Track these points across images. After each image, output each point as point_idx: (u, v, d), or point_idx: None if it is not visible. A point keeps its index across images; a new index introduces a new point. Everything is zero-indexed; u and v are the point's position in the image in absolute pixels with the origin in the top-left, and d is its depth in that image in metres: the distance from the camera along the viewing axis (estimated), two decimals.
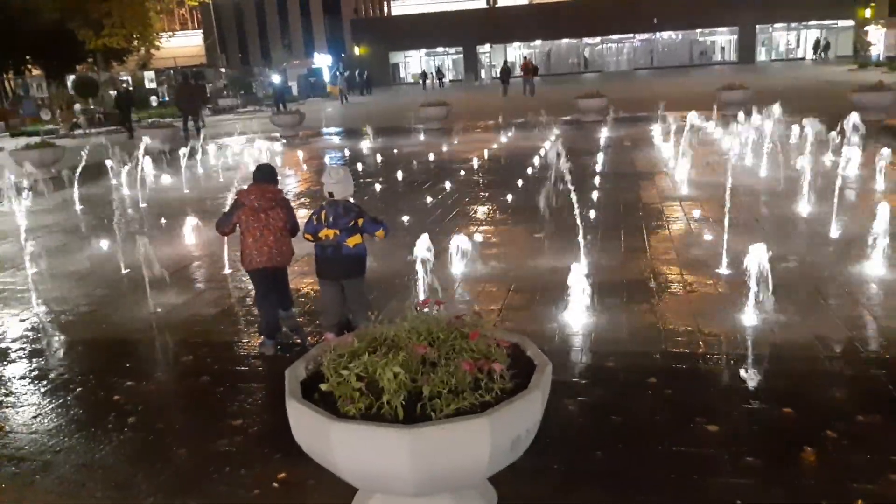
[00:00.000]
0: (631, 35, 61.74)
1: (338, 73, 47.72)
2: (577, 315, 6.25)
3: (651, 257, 7.99)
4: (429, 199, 11.76)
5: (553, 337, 5.94)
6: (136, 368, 5.94)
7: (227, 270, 8.35)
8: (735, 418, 4.56)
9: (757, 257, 5.87)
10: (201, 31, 69.17)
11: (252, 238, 5.74)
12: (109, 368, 5.90)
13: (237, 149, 18.28)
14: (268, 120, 26.84)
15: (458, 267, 7.85)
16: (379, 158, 16.18)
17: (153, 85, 44.04)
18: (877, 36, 50.24)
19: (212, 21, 61.96)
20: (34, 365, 6.10)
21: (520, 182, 12.69)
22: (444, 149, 17.38)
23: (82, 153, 13.64)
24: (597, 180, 12.30)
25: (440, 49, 64.55)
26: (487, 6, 66.34)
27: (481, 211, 10.93)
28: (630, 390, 4.99)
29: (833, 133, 12.56)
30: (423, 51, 65.27)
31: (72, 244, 10.37)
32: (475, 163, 15.25)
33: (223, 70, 51.47)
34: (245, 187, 5.94)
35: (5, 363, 6.16)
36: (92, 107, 33.99)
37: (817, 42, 56.19)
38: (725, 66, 56.18)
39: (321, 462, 3.15)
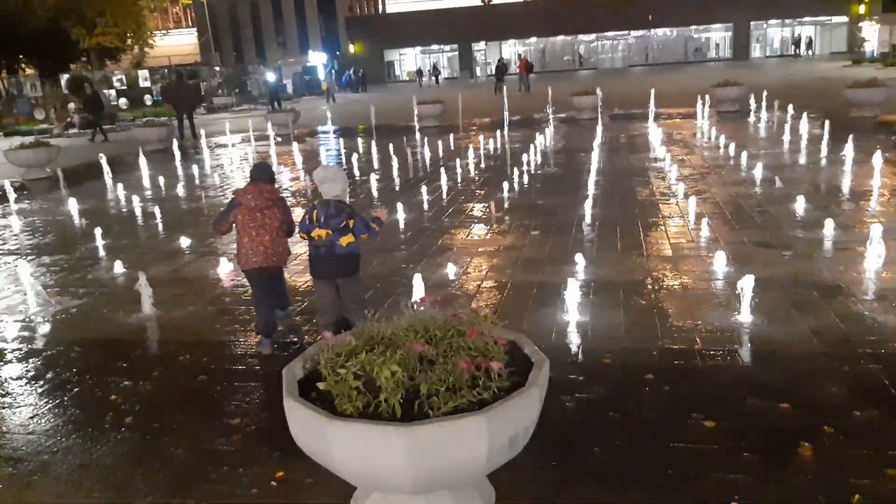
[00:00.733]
0: (626, 32, 61.80)
1: (332, 71, 47.65)
2: (574, 311, 6.27)
3: (647, 253, 8.00)
4: (425, 198, 11.75)
5: (550, 334, 5.95)
6: (132, 368, 5.92)
7: (224, 269, 8.33)
8: (732, 414, 4.57)
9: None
10: (195, 29, 68.95)
11: (248, 238, 5.72)
12: (106, 368, 5.89)
13: (231, 148, 18.24)
14: (262, 118, 26.80)
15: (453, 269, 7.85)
16: (375, 156, 16.15)
17: (147, 83, 43.89)
18: (870, 32, 50.37)
19: (206, 19, 61.68)
20: (30, 365, 6.08)
21: (515, 178, 12.70)
22: (440, 146, 17.36)
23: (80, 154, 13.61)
24: (591, 177, 12.30)
25: (435, 46, 64.52)
26: (482, 3, 66.26)
27: (478, 208, 10.93)
28: (627, 386, 5.00)
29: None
30: (419, 48, 65.24)
31: (66, 243, 10.34)
32: (471, 160, 15.25)
33: (217, 68, 51.33)
34: (242, 186, 5.93)
35: (1, 364, 6.14)
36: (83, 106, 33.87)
37: (798, 39, 56.34)
38: (720, 62, 56.26)
39: (319, 461, 3.14)
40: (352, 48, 61.21)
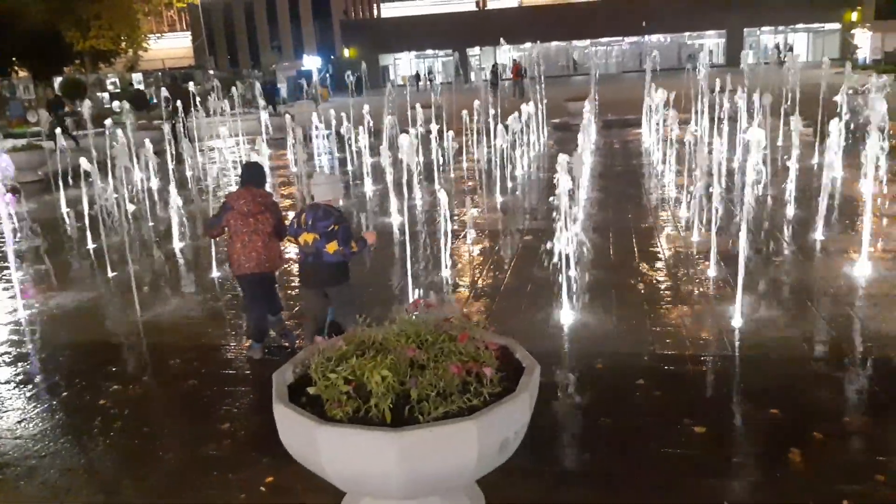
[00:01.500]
0: (620, 38, 61.98)
1: (327, 75, 47.59)
2: (566, 316, 6.27)
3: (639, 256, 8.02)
4: (417, 202, 11.76)
5: (542, 338, 5.95)
6: (122, 372, 5.89)
7: (215, 273, 8.31)
8: (722, 419, 4.58)
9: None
10: (190, 32, 68.90)
11: (240, 243, 5.67)
12: (96, 372, 5.85)
13: (225, 153, 18.17)
14: (256, 122, 26.70)
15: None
16: (369, 160, 16.13)
17: (141, 86, 43.77)
18: (863, 39, 50.68)
19: (200, 23, 61.68)
20: (19, 369, 6.04)
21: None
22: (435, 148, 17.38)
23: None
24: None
25: (430, 51, 64.58)
26: (477, 8, 66.41)
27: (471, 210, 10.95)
28: (618, 392, 5.00)
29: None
30: (413, 53, 65.27)
31: (55, 246, 10.29)
32: (464, 163, 15.26)
33: (211, 72, 51.26)
34: (233, 190, 5.88)
35: None
36: (78, 108, 33.68)
37: (777, 46, 56.49)
38: (714, 69, 56.35)
39: (309, 466, 3.13)
40: (346, 52, 61.21)
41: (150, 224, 11.28)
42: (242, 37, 69.18)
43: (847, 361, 5.29)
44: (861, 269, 7.10)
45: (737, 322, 5.98)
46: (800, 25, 58.11)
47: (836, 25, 54.62)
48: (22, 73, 46.58)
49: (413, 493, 3.08)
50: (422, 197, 11.87)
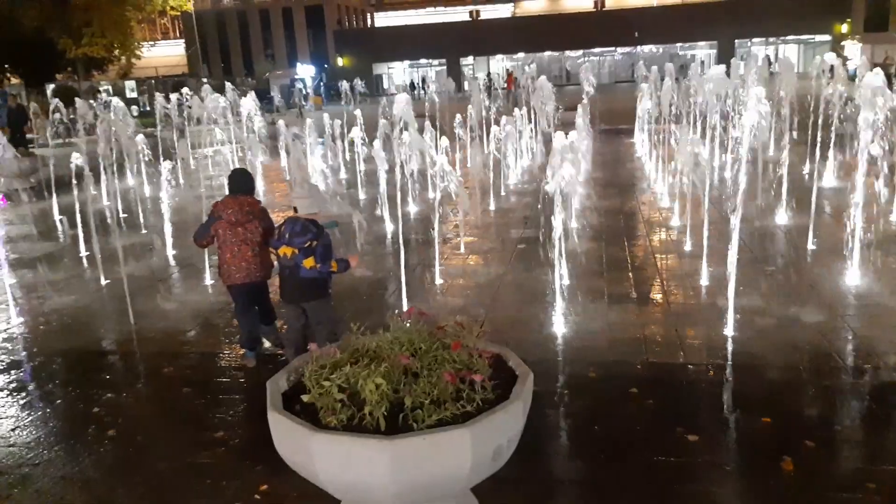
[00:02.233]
0: (612, 49, 62.37)
1: (321, 84, 47.65)
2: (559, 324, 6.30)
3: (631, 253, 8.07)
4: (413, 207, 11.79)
5: (535, 346, 5.97)
6: (115, 380, 5.88)
7: (207, 280, 8.30)
8: (715, 428, 4.61)
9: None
10: (183, 40, 68.88)
11: (230, 253, 5.63)
12: (89, 380, 5.84)
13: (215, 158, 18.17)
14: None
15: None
16: (363, 168, 16.18)
17: (134, 94, 43.74)
18: (853, 51, 51.18)
19: (194, 31, 61.64)
20: (12, 377, 6.02)
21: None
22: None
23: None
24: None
25: (423, 61, 64.79)
26: (470, 19, 66.68)
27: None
28: (611, 400, 5.03)
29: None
30: (407, 62, 65.47)
31: (51, 254, 10.27)
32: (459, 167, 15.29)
33: (204, 80, 51.27)
34: (222, 199, 5.79)
35: None
36: (73, 116, 33.58)
37: (767, 57, 56.92)
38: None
39: (303, 474, 3.14)
40: (340, 61, 61.34)
41: None
42: (236, 45, 69.20)
43: (839, 370, 5.34)
44: (854, 277, 7.16)
45: (729, 330, 6.02)
46: (790, 37, 58.65)
47: (827, 37, 55.14)
48: (14, 80, 46.48)
49: (407, 501, 3.09)
50: (417, 199, 11.89)
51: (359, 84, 29.58)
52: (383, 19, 76.06)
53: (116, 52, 44.54)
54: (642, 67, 19.77)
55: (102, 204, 13.30)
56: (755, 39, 59.79)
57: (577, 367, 5.60)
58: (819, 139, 10.33)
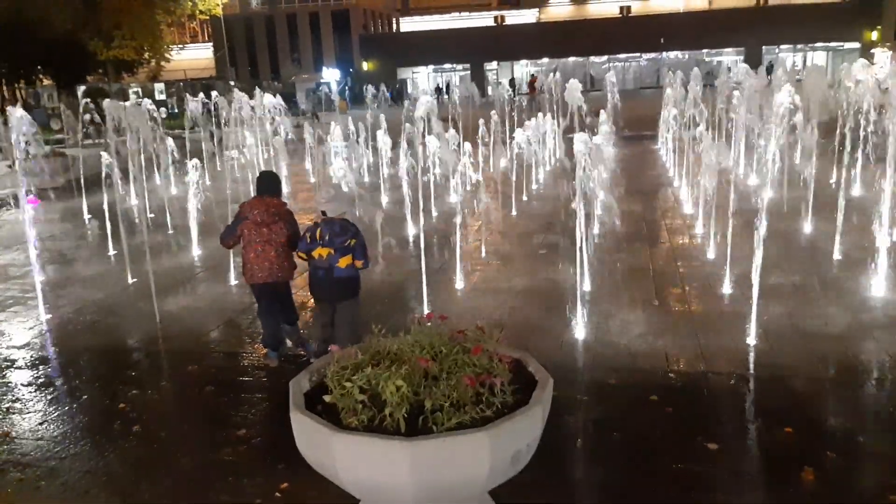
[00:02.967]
0: (637, 54, 62.02)
1: (346, 88, 47.90)
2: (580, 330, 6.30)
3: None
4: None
5: (555, 352, 5.97)
6: (141, 377, 5.99)
7: (232, 280, 8.40)
8: (735, 437, 4.58)
9: None
10: (211, 44, 69.68)
11: (254, 253, 5.73)
12: (115, 377, 5.95)
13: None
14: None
15: None
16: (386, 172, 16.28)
17: (163, 97, 44.33)
18: (883, 58, 50.39)
19: (222, 34, 62.33)
20: (40, 372, 6.15)
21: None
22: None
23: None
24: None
25: (448, 65, 64.91)
26: (495, 24, 66.68)
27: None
28: (632, 407, 5.01)
29: None
30: (431, 67, 65.63)
31: (79, 252, 10.46)
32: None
33: (232, 83, 51.83)
34: (248, 199, 5.94)
35: (12, 370, 6.21)
36: (102, 116, 33.99)
37: (770, 65, 56.24)
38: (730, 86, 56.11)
39: (323, 473, 3.18)
40: (365, 65, 61.68)
41: None
42: (263, 49, 69.85)
43: (863, 381, 5.28)
44: (879, 286, 7.07)
45: (752, 339, 5.97)
46: (819, 44, 57.89)
47: (856, 44, 54.37)
48: (46, 82, 47.37)
49: (426, 502, 3.12)
50: (439, 203, 11.93)
51: (384, 90, 29.64)
52: (409, 24, 76.30)
53: (146, 54, 45.22)
54: (668, 73, 19.64)
55: (130, 203, 13.51)
56: (783, 46, 59.10)
57: (598, 373, 5.59)
58: (847, 147, 10.18)
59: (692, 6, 64.74)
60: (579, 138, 6.09)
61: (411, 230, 10.53)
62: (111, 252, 10.10)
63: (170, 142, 13.53)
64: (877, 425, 4.69)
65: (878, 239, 7.26)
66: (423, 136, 7.22)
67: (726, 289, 7.32)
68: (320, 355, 5.20)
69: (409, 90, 65.80)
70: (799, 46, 59.06)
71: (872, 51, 51.53)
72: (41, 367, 6.26)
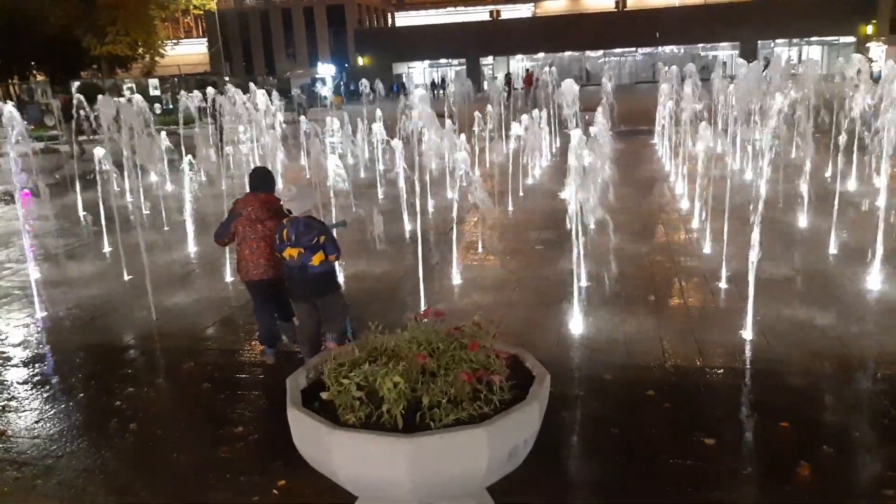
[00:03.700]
0: (633, 49, 62.01)
1: (341, 83, 47.82)
2: (576, 325, 6.30)
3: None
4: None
5: (551, 348, 5.97)
6: (137, 375, 5.97)
7: (228, 277, 8.39)
8: (732, 432, 4.59)
9: None
10: (206, 39, 69.44)
11: (248, 250, 5.71)
12: (111, 374, 5.93)
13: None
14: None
15: None
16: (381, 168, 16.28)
17: (157, 92, 44.18)
18: (878, 53, 50.46)
19: (216, 30, 62.08)
20: (36, 370, 6.13)
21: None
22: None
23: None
24: None
25: (443, 60, 64.81)
26: (491, 19, 66.59)
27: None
28: (628, 403, 5.02)
29: None
30: (427, 62, 65.53)
31: (74, 249, 10.42)
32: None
33: (227, 78, 51.68)
34: (242, 196, 5.90)
35: (7, 368, 6.19)
36: (96, 114, 33.83)
37: (767, 60, 56.26)
38: (727, 80, 56.17)
39: (321, 470, 3.18)
40: (360, 60, 61.54)
41: None
42: (258, 44, 69.62)
43: (858, 376, 5.29)
44: (875, 280, 7.09)
45: (748, 334, 5.98)
46: (814, 38, 57.95)
47: (851, 39, 54.44)
48: (39, 77, 47.18)
49: (423, 499, 3.11)
50: (435, 198, 11.92)
51: (377, 83, 29.42)
52: (404, 19, 76.17)
53: (140, 50, 45.07)
54: (663, 68, 19.64)
55: (125, 200, 13.47)
56: (778, 40, 59.14)
57: (595, 369, 5.59)
58: (842, 141, 10.19)
59: (688, 0, 64.76)
60: (575, 134, 6.09)
61: (407, 226, 10.51)
62: (106, 248, 10.06)
63: (163, 135, 13.49)
64: (872, 420, 4.70)
65: (873, 232, 7.26)
66: (419, 132, 7.18)
67: (723, 283, 7.33)
68: (311, 352, 5.21)
69: (406, 84, 65.77)
70: (794, 41, 59.10)
71: (868, 45, 51.66)
72: (37, 365, 6.24)
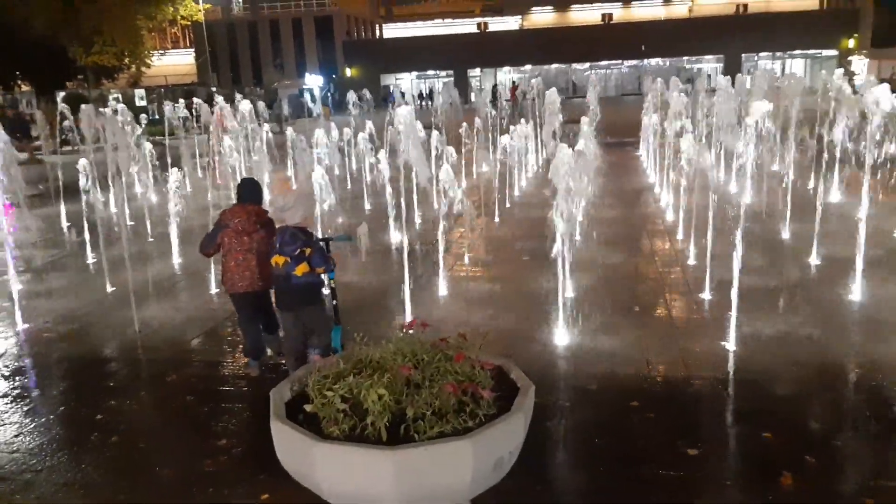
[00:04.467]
0: (619, 62, 62.57)
1: (328, 94, 47.76)
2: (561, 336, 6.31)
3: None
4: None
5: (536, 358, 5.97)
6: (119, 387, 5.91)
7: (213, 289, 8.33)
8: (715, 442, 4.61)
9: None
10: (193, 49, 69.29)
11: (234, 262, 5.66)
12: (93, 387, 5.87)
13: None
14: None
15: None
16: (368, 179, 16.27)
17: (143, 103, 44.00)
18: (860, 66, 51.18)
19: (204, 40, 61.97)
20: (16, 383, 6.05)
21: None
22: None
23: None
24: None
25: (431, 72, 65.04)
26: (478, 31, 66.93)
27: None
28: (613, 413, 5.03)
29: None
30: (415, 73, 65.74)
31: (56, 261, 10.33)
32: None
33: (213, 89, 51.56)
34: (229, 207, 5.85)
35: None
36: (79, 124, 33.56)
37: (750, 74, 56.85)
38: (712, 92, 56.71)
39: (305, 483, 3.16)
40: (348, 72, 61.62)
41: None
42: (245, 55, 69.57)
43: (841, 385, 5.33)
44: (857, 290, 7.15)
45: (732, 344, 6.01)
46: (797, 52, 58.74)
47: (834, 52, 55.18)
48: (24, 87, 46.83)
49: None
50: (421, 210, 11.93)
51: (364, 94, 29.39)
52: (392, 31, 76.36)
53: (126, 60, 44.83)
54: (648, 80, 19.81)
55: (109, 211, 13.38)
56: (762, 54, 59.88)
57: (579, 379, 5.60)
58: (824, 153, 10.30)
59: (673, 14, 65.47)
60: (560, 147, 6.11)
61: (393, 238, 10.50)
62: (89, 260, 9.98)
63: (147, 146, 13.42)
64: (854, 430, 4.73)
65: (854, 244, 7.34)
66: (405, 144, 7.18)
67: (706, 294, 7.37)
68: (296, 365, 5.18)
69: (394, 95, 65.91)
70: (777, 54, 59.89)
71: (850, 58, 52.40)
72: (17, 378, 6.16)
